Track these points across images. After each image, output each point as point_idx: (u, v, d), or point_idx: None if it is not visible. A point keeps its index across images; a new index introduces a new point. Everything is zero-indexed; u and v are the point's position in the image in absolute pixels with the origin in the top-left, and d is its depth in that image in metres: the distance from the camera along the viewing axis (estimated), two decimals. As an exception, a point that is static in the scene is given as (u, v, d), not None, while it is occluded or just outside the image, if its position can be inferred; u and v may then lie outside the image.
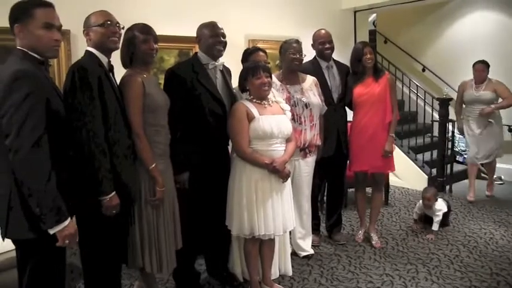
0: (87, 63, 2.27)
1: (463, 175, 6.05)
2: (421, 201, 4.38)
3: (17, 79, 1.83)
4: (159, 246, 2.60)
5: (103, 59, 2.36)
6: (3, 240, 2.05)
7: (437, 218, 4.20)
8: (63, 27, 2.11)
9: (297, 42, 3.47)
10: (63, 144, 2.06)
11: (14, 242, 2.04)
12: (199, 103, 2.86)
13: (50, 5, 2.01)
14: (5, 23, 2.00)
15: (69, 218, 1.95)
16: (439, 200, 4.35)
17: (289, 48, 3.44)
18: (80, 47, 2.37)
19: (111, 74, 2.41)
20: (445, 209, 4.32)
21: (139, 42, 2.55)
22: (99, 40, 2.33)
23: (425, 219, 4.43)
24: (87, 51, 2.36)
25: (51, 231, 1.89)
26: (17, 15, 1.96)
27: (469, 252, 3.86)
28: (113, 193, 2.24)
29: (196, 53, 3.06)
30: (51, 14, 2.00)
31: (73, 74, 2.21)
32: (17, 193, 1.89)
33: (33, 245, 1.97)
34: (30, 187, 1.85)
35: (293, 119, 3.24)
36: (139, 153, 2.48)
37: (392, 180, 5.74)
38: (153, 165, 2.52)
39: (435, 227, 4.19)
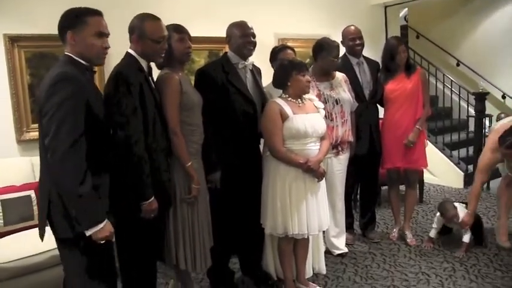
0: (128, 69, 2.26)
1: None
2: (438, 214, 3.84)
3: (58, 81, 1.85)
4: (193, 244, 2.61)
5: (143, 62, 2.36)
6: (41, 240, 2.10)
7: (467, 233, 3.67)
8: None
9: (338, 46, 3.45)
10: (103, 148, 2.07)
11: (58, 240, 2.04)
12: (230, 103, 2.87)
13: (101, 14, 2.04)
14: (49, 31, 2.02)
15: (105, 220, 1.95)
16: (459, 206, 3.74)
17: (332, 52, 3.39)
18: (115, 51, 2.37)
19: (149, 78, 2.42)
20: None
21: (176, 42, 2.56)
22: (150, 54, 2.36)
23: (444, 231, 3.97)
24: (128, 54, 2.36)
25: (87, 233, 1.90)
26: (70, 21, 1.97)
27: (510, 250, 3.73)
28: (152, 198, 2.27)
29: (226, 52, 3.08)
30: (102, 23, 2.03)
31: (115, 80, 2.22)
32: (56, 193, 1.92)
33: (76, 243, 1.97)
34: (64, 188, 1.87)
35: (324, 115, 3.20)
36: (175, 150, 2.49)
37: (427, 177, 5.62)
38: (190, 163, 2.53)
39: (466, 238, 3.67)
